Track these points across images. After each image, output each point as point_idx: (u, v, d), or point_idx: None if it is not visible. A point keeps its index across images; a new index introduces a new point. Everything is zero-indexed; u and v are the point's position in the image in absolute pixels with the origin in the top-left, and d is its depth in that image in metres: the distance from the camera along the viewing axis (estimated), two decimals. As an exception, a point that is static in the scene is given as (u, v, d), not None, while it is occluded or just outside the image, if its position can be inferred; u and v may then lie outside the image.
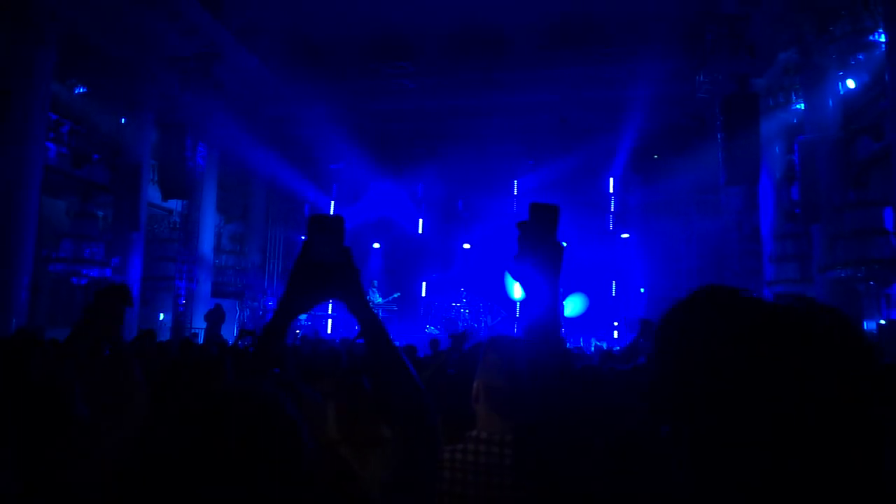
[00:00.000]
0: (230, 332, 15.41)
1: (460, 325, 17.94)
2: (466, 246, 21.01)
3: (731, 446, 0.63)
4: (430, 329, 18.73)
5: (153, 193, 15.59)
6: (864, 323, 12.86)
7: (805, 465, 0.61)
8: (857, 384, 0.62)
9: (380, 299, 19.25)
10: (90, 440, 1.85)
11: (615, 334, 18.49)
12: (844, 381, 0.62)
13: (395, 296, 19.58)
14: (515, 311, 19.35)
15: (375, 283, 19.70)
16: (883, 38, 10.36)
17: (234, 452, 0.93)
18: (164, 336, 14.50)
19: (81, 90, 15.26)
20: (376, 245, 21.56)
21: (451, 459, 1.74)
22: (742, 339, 0.64)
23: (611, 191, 19.85)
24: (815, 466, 0.61)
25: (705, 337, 0.66)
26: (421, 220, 20.95)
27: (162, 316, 16.47)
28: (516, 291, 19.56)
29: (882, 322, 13.30)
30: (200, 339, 13.33)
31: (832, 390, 0.61)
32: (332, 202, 20.95)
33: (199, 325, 15.44)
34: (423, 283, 21.27)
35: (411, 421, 1.24)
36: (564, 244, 1.25)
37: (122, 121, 15.22)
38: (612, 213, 19.80)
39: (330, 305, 20.27)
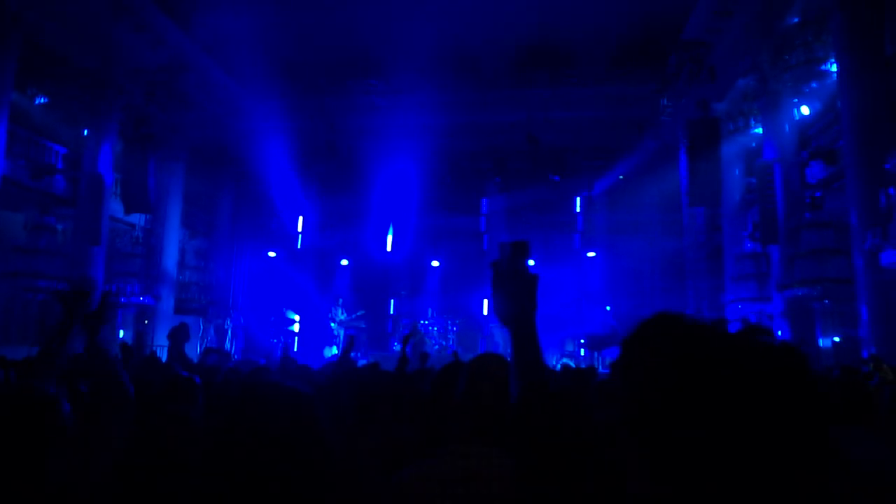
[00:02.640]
0: (193, 350, 15.04)
1: (428, 343, 17.90)
2: (435, 264, 21.04)
3: (667, 457, 0.69)
4: (398, 347, 18.61)
5: (115, 207, 15.22)
6: (820, 340, 13.32)
7: (731, 482, 0.66)
8: (790, 416, 0.67)
9: (343, 316, 19.08)
10: (78, 451, 1.80)
11: (581, 352, 18.68)
12: (778, 412, 0.67)
13: (360, 314, 19.38)
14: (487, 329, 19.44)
15: (340, 300, 19.53)
16: (834, 68, 10.91)
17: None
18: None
19: (42, 100, 14.87)
20: (344, 262, 21.41)
21: (431, 474, 1.74)
22: (687, 367, 0.70)
23: (577, 210, 20.18)
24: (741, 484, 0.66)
25: (659, 360, 0.72)
26: (389, 238, 20.91)
27: (122, 333, 15.98)
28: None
29: (837, 339, 13.81)
30: (163, 357, 12.95)
31: (764, 419, 0.66)
32: (300, 217, 20.75)
33: (162, 342, 15.03)
34: (392, 301, 21.17)
35: None
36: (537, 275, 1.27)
37: (85, 132, 14.86)
38: (578, 232, 20.10)
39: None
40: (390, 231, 20.85)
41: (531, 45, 17.23)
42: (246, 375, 5.81)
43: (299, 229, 20.97)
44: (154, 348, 14.98)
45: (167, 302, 16.60)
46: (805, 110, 12.90)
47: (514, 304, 1.22)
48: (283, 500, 1.14)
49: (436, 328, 19.04)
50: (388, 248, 21.10)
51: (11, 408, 1.79)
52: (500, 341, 19.43)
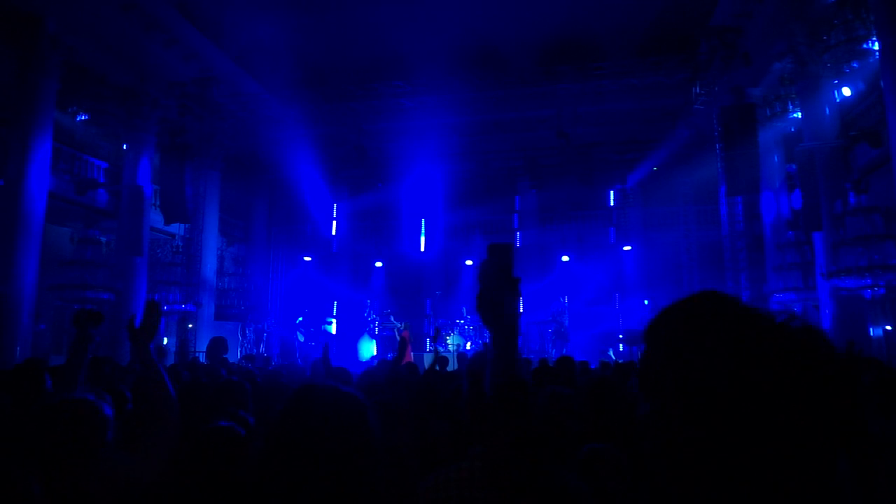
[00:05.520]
0: (234, 353, 15.37)
1: (468, 343, 17.89)
2: (469, 262, 21.02)
3: (693, 435, 0.68)
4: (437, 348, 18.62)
5: (156, 218, 15.65)
6: (871, 329, 12.81)
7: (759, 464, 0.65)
8: (827, 405, 0.66)
9: (373, 317, 19.18)
10: (119, 464, 1.86)
11: (620, 347, 18.41)
12: (816, 401, 0.66)
13: (400, 326, 19.27)
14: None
15: (369, 302, 19.65)
16: (876, 46, 10.46)
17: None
18: (169, 360, 14.45)
19: (83, 117, 15.38)
20: (378, 264, 21.56)
21: (452, 478, 1.73)
22: (726, 347, 0.68)
23: (611, 204, 19.90)
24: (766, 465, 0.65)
25: (696, 338, 0.70)
26: (423, 238, 20.98)
27: (165, 340, 16.43)
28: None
29: (889, 328, 13.27)
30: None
31: (801, 406, 0.65)
32: (334, 222, 20.98)
33: (203, 347, 15.40)
34: (427, 301, 21.25)
35: None
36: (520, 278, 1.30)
37: (124, 146, 15.32)
38: (613, 226, 19.82)
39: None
40: (423, 232, 20.93)
41: (558, 39, 17.04)
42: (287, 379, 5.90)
43: (333, 233, 21.22)
44: (196, 354, 15.35)
45: (208, 308, 16.99)
46: (846, 91, 12.42)
47: (500, 306, 1.22)
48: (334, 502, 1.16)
49: (471, 327, 19.00)
50: (422, 249, 21.19)
51: (54, 415, 1.87)
52: (538, 338, 19.31)
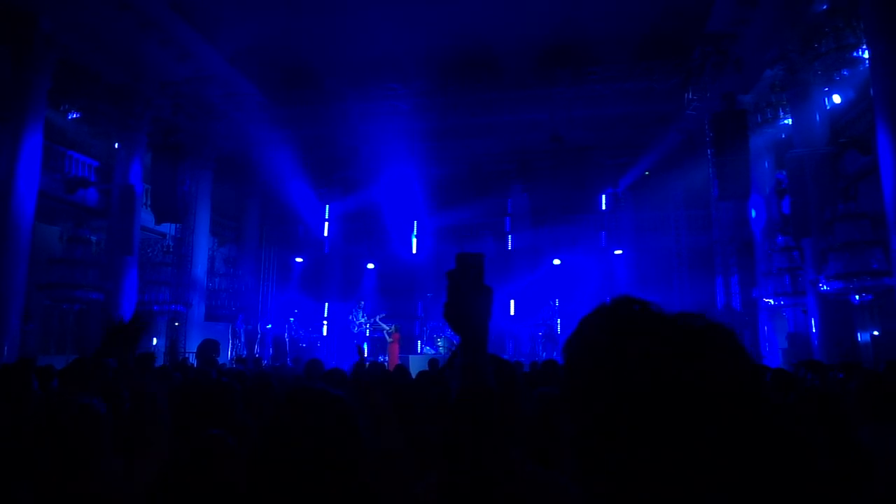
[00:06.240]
0: (224, 357, 15.28)
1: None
2: (461, 265, 21.02)
3: (618, 445, 0.67)
4: (427, 350, 18.65)
5: (146, 217, 15.55)
6: (859, 335, 12.94)
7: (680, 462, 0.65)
8: (734, 398, 0.66)
9: (363, 319, 19.08)
10: (115, 468, 1.86)
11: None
12: (725, 396, 0.66)
13: (388, 328, 19.06)
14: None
15: (362, 303, 19.59)
16: (866, 54, 10.59)
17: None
18: (159, 361, 14.36)
19: (74, 115, 15.28)
20: (370, 266, 21.53)
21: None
22: (636, 353, 0.68)
23: (603, 208, 19.99)
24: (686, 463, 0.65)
25: (607, 348, 0.70)
26: (415, 240, 20.97)
27: (155, 340, 16.32)
28: None
29: (876, 333, 13.40)
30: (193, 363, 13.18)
31: (712, 405, 0.65)
32: (326, 223, 20.94)
33: (193, 348, 15.30)
34: (419, 303, 21.24)
35: None
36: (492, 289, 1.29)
37: (116, 145, 15.23)
38: (604, 229, 19.91)
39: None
40: (415, 234, 20.92)
41: (552, 43, 17.10)
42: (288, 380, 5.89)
43: (325, 234, 21.17)
44: (186, 354, 15.26)
45: (198, 309, 16.90)
46: (836, 99, 12.56)
47: (471, 314, 1.24)
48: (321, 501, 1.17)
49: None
50: (414, 251, 21.18)
51: (55, 416, 1.86)
52: (529, 341, 19.35)
